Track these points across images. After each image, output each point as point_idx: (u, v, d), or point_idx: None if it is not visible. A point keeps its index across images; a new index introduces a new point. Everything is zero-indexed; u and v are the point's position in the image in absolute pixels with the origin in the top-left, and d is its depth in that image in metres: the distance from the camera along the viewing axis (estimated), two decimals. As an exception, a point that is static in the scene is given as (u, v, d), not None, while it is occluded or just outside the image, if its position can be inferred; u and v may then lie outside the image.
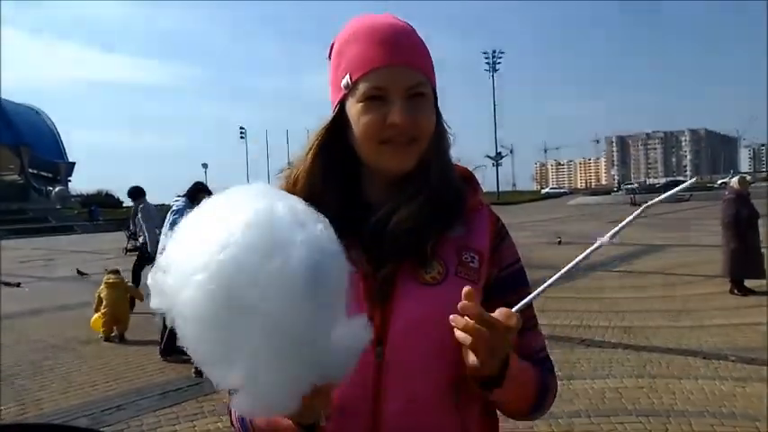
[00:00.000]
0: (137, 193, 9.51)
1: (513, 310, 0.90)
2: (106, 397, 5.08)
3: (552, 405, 1.11)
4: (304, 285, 0.76)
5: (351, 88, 1.03)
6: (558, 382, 1.13)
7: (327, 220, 0.87)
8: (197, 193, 6.23)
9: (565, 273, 0.92)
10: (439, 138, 1.08)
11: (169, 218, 6.37)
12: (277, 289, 0.75)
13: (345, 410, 0.98)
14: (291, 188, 1.08)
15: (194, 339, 0.79)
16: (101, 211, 44.00)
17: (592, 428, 4.05)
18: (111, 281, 7.54)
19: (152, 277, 0.82)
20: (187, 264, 0.78)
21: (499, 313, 0.89)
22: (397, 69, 1.01)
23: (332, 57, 1.09)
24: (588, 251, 0.92)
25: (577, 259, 0.93)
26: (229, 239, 0.77)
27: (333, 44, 1.10)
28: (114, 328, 7.34)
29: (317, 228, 0.82)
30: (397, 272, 1.01)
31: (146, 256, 8.96)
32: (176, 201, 6.56)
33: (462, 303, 0.87)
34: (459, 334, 0.89)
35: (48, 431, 2.49)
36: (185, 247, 0.80)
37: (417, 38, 1.07)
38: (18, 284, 12.60)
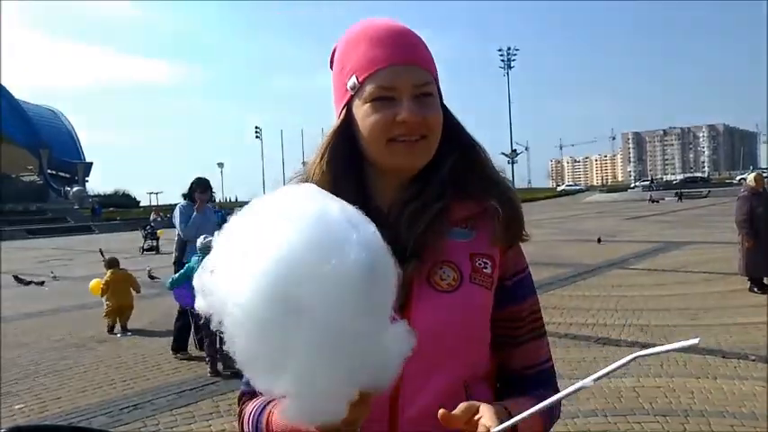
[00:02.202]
0: None
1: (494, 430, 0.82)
2: (124, 396, 5.13)
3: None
4: (360, 285, 0.75)
5: (357, 89, 1.02)
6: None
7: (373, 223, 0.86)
8: (192, 193, 6.52)
9: (560, 397, 0.83)
10: (454, 133, 1.08)
11: (176, 216, 6.52)
12: (333, 288, 0.73)
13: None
14: None
15: (244, 341, 0.76)
16: (102, 210, 45.72)
17: (608, 428, 4.01)
18: (114, 273, 7.88)
19: (198, 278, 0.81)
20: (239, 265, 0.76)
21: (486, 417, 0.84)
22: (403, 68, 1.01)
23: (334, 61, 1.09)
24: (568, 391, 0.80)
25: (565, 393, 0.82)
26: (284, 239, 0.75)
27: (334, 49, 1.09)
28: (117, 320, 7.65)
29: (369, 229, 0.82)
30: (413, 278, 1.00)
31: None
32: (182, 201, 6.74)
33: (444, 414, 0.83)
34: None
35: None
36: (236, 248, 0.78)
37: (419, 38, 1.07)
38: (42, 282, 12.83)
